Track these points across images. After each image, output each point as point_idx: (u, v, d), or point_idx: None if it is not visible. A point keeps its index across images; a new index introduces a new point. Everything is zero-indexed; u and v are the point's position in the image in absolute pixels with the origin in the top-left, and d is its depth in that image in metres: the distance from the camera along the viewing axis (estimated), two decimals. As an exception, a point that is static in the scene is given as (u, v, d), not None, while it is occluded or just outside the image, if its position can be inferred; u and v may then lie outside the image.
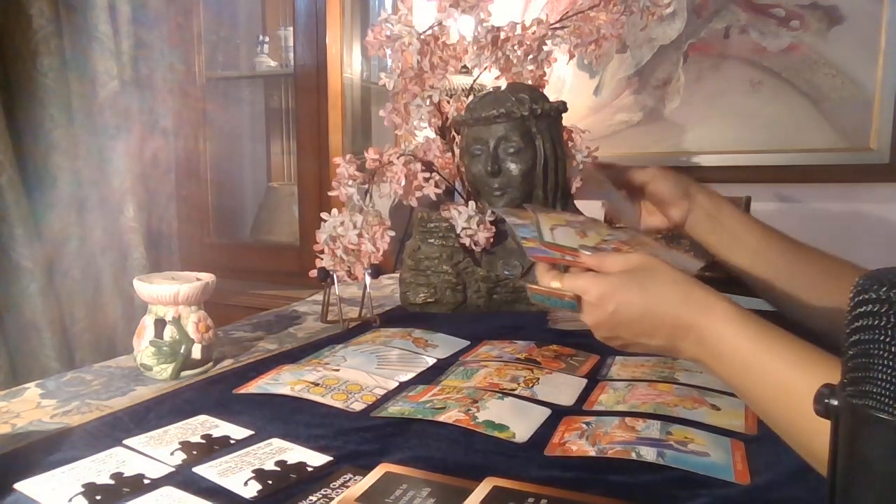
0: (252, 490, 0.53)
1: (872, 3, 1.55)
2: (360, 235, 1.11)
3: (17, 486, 0.54)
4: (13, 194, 1.44)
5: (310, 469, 0.57)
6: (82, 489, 0.53)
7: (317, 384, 0.76)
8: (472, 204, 1.15)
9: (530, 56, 1.25)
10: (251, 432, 0.65)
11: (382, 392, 0.76)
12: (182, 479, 0.55)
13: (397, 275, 1.27)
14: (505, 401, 0.70)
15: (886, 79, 1.55)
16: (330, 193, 1.19)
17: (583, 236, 0.71)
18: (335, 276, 1.11)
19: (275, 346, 0.97)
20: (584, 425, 0.65)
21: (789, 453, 0.58)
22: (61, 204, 1.56)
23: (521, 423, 0.66)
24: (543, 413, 0.69)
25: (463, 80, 1.58)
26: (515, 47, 1.25)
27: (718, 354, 0.56)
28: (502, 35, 1.23)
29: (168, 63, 1.89)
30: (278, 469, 0.57)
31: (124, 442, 0.62)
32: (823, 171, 1.63)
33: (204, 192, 2.19)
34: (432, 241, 1.15)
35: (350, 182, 1.17)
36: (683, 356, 0.60)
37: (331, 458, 0.59)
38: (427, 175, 1.21)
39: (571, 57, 1.31)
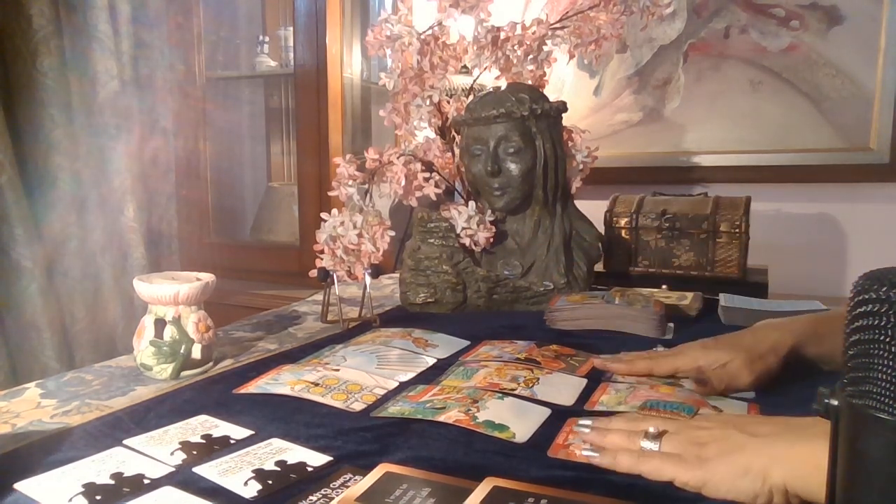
0: (252, 490, 0.53)
1: (872, 3, 1.55)
2: (360, 235, 1.11)
3: (17, 486, 0.54)
4: (13, 194, 1.43)
5: (310, 469, 0.57)
6: (82, 489, 0.53)
7: (317, 384, 0.76)
8: (472, 204, 1.15)
9: (530, 56, 1.25)
10: (251, 432, 0.65)
11: (382, 392, 0.75)
12: (182, 479, 0.55)
13: (397, 275, 1.27)
14: (505, 401, 0.70)
15: (886, 79, 1.55)
16: (330, 193, 1.19)
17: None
18: (335, 276, 1.11)
19: (275, 346, 0.97)
20: (584, 425, 0.65)
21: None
22: (61, 204, 1.56)
23: (521, 423, 0.66)
24: (543, 413, 0.69)
25: (463, 80, 1.58)
26: (515, 47, 1.25)
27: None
28: (502, 35, 1.23)
29: (168, 63, 1.89)
30: (278, 469, 0.57)
31: (124, 442, 0.62)
32: (823, 171, 1.63)
33: (204, 192, 2.19)
34: (432, 241, 1.15)
35: (350, 182, 1.17)
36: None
37: (331, 458, 0.59)
38: (427, 175, 1.21)
39: (571, 57, 1.32)
